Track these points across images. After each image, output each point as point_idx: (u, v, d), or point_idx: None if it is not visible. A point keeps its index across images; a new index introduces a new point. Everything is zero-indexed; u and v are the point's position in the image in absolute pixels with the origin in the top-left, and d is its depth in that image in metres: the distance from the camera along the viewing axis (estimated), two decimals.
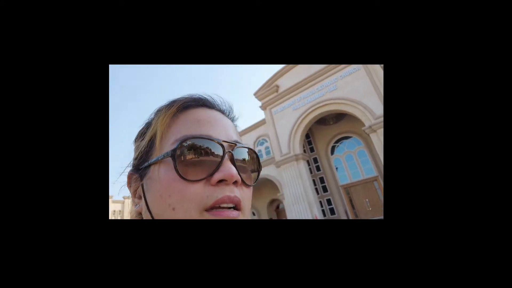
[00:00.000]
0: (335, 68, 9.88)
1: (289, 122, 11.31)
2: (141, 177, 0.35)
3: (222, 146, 0.32)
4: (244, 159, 0.35)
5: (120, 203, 27.62)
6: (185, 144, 0.31)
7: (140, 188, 0.35)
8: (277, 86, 12.27)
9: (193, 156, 0.31)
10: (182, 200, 0.30)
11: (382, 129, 7.93)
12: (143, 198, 0.34)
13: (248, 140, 13.49)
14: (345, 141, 10.81)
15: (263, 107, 12.99)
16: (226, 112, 0.40)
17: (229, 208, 0.31)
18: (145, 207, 0.34)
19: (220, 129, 0.35)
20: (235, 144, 0.34)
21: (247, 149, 0.36)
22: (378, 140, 8.06)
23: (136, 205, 0.36)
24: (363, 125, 8.99)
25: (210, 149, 0.32)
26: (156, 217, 0.32)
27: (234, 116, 0.41)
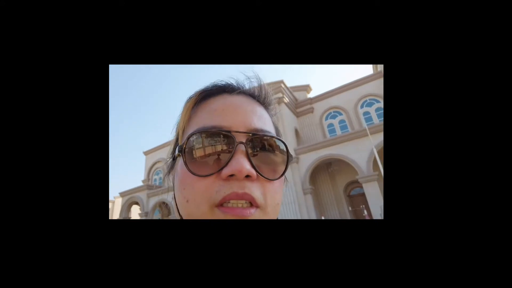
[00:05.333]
0: None
1: None
2: (172, 169, 0.37)
3: (233, 137, 0.30)
4: (264, 150, 0.32)
5: (111, 203, 29.01)
6: (191, 138, 0.31)
7: (172, 178, 0.37)
8: None
9: (202, 150, 0.30)
10: (194, 193, 0.30)
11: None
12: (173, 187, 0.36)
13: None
14: None
15: None
16: (254, 96, 0.37)
17: (243, 205, 0.29)
18: (173, 196, 0.35)
19: (236, 117, 0.32)
20: (250, 134, 0.31)
21: (269, 138, 0.32)
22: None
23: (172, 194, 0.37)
24: None
25: (221, 141, 0.30)
26: (179, 207, 0.32)
27: (266, 99, 0.38)
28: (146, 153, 21.86)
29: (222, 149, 0.30)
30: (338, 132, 14.28)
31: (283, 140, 0.34)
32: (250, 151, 0.30)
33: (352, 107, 14.24)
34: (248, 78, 0.37)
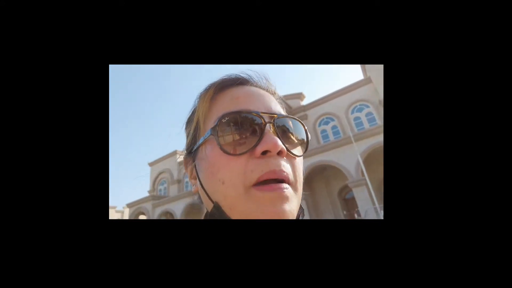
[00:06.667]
0: None
1: None
2: (194, 159, 0.38)
3: (262, 117, 0.33)
4: (288, 129, 0.35)
5: (121, 213, 29.80)
6: (223, 120, 0.32)
7: (194, 169, 0.38)
8: None
9: (234, 131, 0.32)
10: (230, 174, 0.31)
11: None
12: (197, 178, 0.37)
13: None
14: None
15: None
16: (263, 87, 0.40)
17: (277, 182, 0.30)
18: (200, 185, 0.36)
19: (258, 103, 0.35)
20: (276, 115, 0.34)
21: (291, 119, 0.36)
22: None
23: (193, 185, 0.39)
24: None
25: (250, 122, 0.32)
26: (210, 194, 0.33)
27: (274, 90, 0.42)
28: (151, 164, 22.48)
29: (253, 130, 0.32)
30: (331, 137, 14.62)
31: (301, 121, 0.37)
32: (276, 130, 0.33)
33: (343, 112, 14.50)
34: (256, 73, 0.41)
